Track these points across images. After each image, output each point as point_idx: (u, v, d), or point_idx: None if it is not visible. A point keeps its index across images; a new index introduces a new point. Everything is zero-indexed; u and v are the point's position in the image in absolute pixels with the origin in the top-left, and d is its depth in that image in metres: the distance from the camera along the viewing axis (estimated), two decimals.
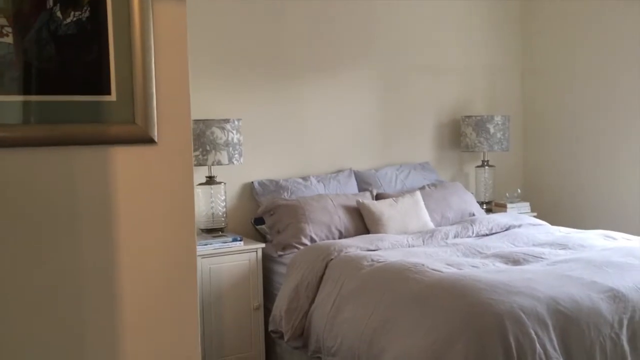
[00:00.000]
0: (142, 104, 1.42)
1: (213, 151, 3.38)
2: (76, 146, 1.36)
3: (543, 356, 2.10)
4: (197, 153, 3.35)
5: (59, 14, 1.33)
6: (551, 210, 4.50)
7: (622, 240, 3.12)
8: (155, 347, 1.45)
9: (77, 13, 1.34)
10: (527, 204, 4.45)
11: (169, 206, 1.49)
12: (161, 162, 1.46)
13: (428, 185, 4.12)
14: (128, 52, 1.38)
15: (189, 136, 1.50)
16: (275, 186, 3.79)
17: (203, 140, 3.35)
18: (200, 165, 3.39)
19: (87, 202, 1.37)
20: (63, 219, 1.35)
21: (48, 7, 1.32)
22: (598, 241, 3.10)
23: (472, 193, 4.28)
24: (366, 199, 3.74)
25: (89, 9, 1.35)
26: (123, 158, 1.41)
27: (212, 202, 3.51)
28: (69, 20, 1.34)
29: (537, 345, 2.11)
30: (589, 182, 4.41)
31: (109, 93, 1.39)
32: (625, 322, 2.30)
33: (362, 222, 3.60)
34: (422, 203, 3.75)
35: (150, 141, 1.44)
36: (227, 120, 3.43)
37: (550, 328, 2.18)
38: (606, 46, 4.23)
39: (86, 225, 1.37)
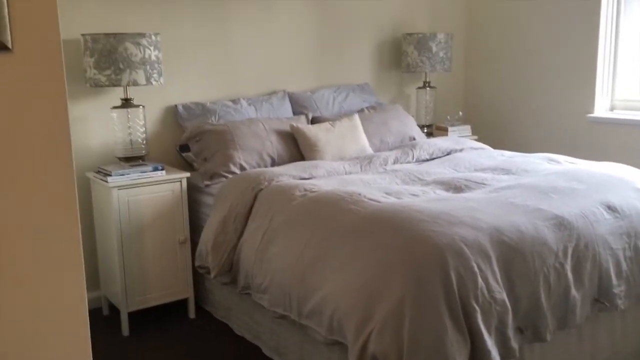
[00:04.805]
0: None
1: (127, 70, 2.99)
2: None
3: (485, 290, 1.96)
4: (108, 72, 2.95)
5: None
6: (492, 134, 4.37)
7: (566, 164, 3.00)
8: (32, 300, 1.19)
9: None
10: (468, 127, 4.30)
11: (35, 131, 1.17)
12: (19, 75, 1.13)
13: (367, 108, 3.88)
14: None
15: (58, 44, 1.17)
16: (201, 110, 3.46)
17: (115, 58, 2.95)
18: (113, 85, 3.01)
19: None
20: None
21: None
22: (542, 165, 2.96)
23: (412, 116, 4.07)
24: (301, 123, 3.47)
25: None
26: None
27: (129, 127, 3.15)
28: None
29: (479, 279, 1.96)
30: (530, 105, 4.27)
31: None
32: (569, 251, 2.18)
33: (297, 148, 3.34)
34: (360, 127, 3.51)
35: (1, 47, 1.10)
36: (142, 35, 3.02)
37: (493, 260, 2.02)
38: None
39: None
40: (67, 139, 1.20)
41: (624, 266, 2.33)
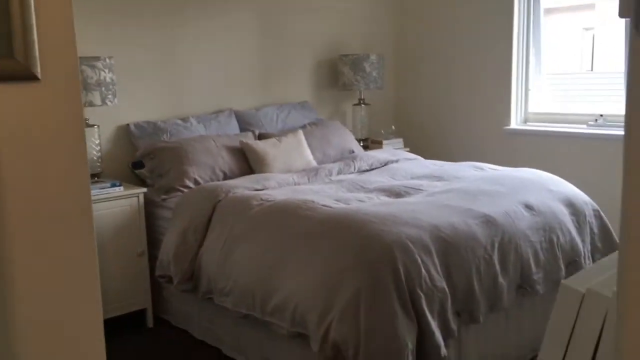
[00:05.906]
0: (20, 35, 1.27)
1: (84, 92, 3.13)
2: None
3: (428, 280, 2.26)
4: None
5: None
6: (422, 145, 4.76)
7: (489, 171, 3.39)
8: (52, 311, 1.35)
9: None
10: (401, 139, 4.67)
11: (58, 149, 1.37)
12: (46, 100, 1.33)
13: (309, 124, 4.16)
14: None
15: (77, 72, 1.38)
16: (153, 128, 3.63)
17: None
18: None
19: None
20: None
21: None
22: (469, 172, 3.34)
23: (350, 130, 4.39)
24: (249, 139, 3.71)
25: None
26: (1, 97, 1.27)
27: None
28: None
29: (423, 270, 2.26)
30: (454, 119, 4.70)
31: None
32: (496, 244, 2.53)
33: (247, 162, 3.57)
34: (304, 142, 3.79)
35: (32, 78, 1.30)
36: (97, 58, 3.18)
37: (434, 253, 2.34)
38: None
39: None
40: (84, 158, 1.39)
41: (541, 256, 2.71)
